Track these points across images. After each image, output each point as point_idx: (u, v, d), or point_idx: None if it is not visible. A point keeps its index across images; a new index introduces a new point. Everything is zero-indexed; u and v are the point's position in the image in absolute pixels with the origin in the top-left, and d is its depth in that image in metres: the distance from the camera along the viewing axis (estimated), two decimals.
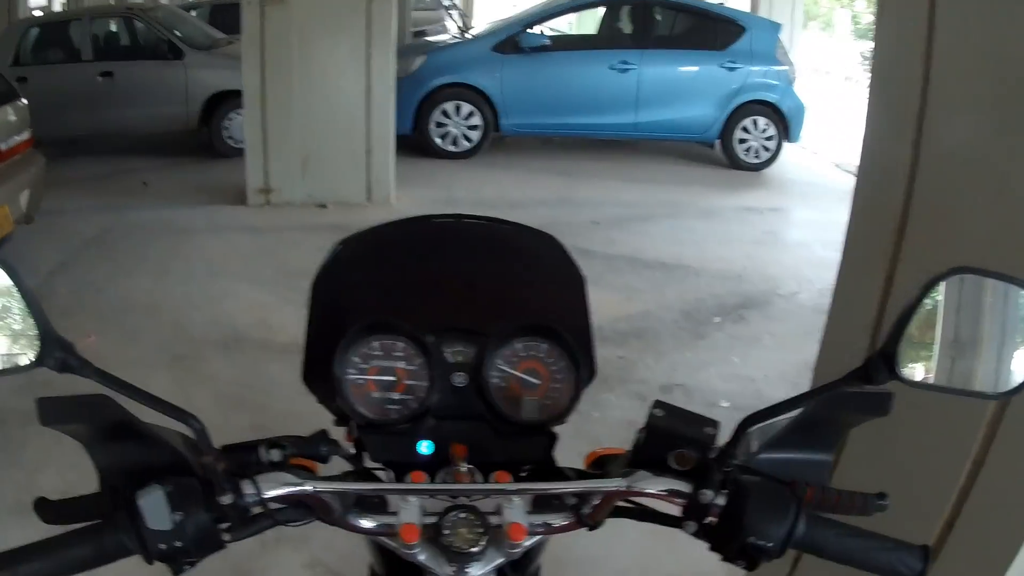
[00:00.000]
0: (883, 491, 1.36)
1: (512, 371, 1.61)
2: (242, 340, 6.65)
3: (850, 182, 9.72)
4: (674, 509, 1.38)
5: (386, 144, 10.59)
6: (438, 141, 13.23)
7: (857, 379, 1.29)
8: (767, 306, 7.80)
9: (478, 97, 13.17)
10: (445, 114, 13.17)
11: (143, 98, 12.83)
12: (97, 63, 12.91)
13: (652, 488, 1.35)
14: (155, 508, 1.20)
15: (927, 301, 1.29)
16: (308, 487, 1.33)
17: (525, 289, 1.83)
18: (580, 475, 1.56)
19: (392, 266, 1.83)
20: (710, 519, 1.33)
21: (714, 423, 1.39)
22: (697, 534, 1.35)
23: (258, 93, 10.04)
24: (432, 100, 13.12)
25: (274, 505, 1.34)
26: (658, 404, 1.40)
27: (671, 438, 1.37)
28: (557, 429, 1.61)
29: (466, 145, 13.29)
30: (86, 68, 12.86)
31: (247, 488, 1.29)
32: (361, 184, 10.54)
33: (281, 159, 10.28)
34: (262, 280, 7.87)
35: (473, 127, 13.24)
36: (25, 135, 8.10)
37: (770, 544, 1.26)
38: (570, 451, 1.62)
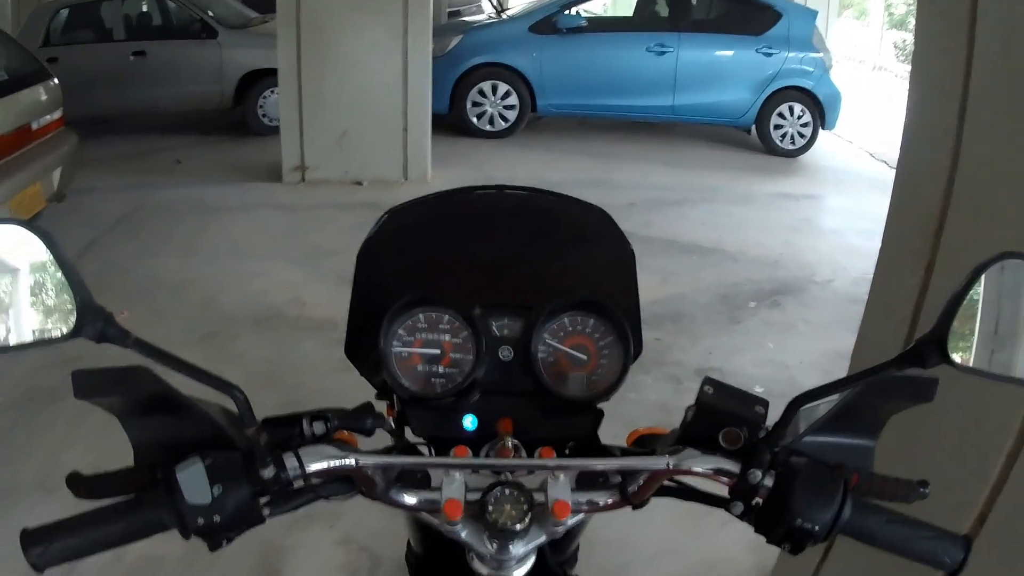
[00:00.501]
0: (924, 479, 1.33)
1: (559, 346, 1.57)
2: (274, 318, 6.64)
3: (884, 171, 9.74)
4: (720, 489, 1.36)
5: (422, 122, 10.58)
6: (474, 120, 13.22)
7: (908, 362, 1.25)
8: (802, 293, 7.74)
9: (514, 77, 13.15)
10: (481, 93, 13.16)
11: (176, 77, 12.84)
12: (129, 43, 12.91)
13: (699, 467, 1.32)
14: (194, 481, 1.17)
15: (976, 287, 1.25)
16: (351, 460, 1.30)
17: (573, 263, 1.80)
18: (625, 453, 1.53)
19: (438, 238, 1.80)
20: (757, 500, 1.30)
21: (764, 402, 1.35)
22: (743, 516, 1.32)
23: (294, 71, 10.03)
24: (468, 80, 13.10)
25: (316, 479, 1.31)
26: (708, 381, 1.36)
27: (720, 416, 1.33)
28: (604, 406, 1.57)
29: (502, 125, 13.28)
30: (118, 48, 12.87)
31: (289, 461, 1.26)
32: (397, 162, 10.54)
33: (317, 137, 10.28)
34: (295, 258, 7.87)
35: (509, 107, 13.23)
36: (56, 114, 8.16)
37: (816, 527, 1.23)
38: (605, 433, 1.58)
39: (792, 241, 9.13)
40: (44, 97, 8.00)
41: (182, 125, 13.54)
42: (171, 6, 13.28)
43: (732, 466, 1.30)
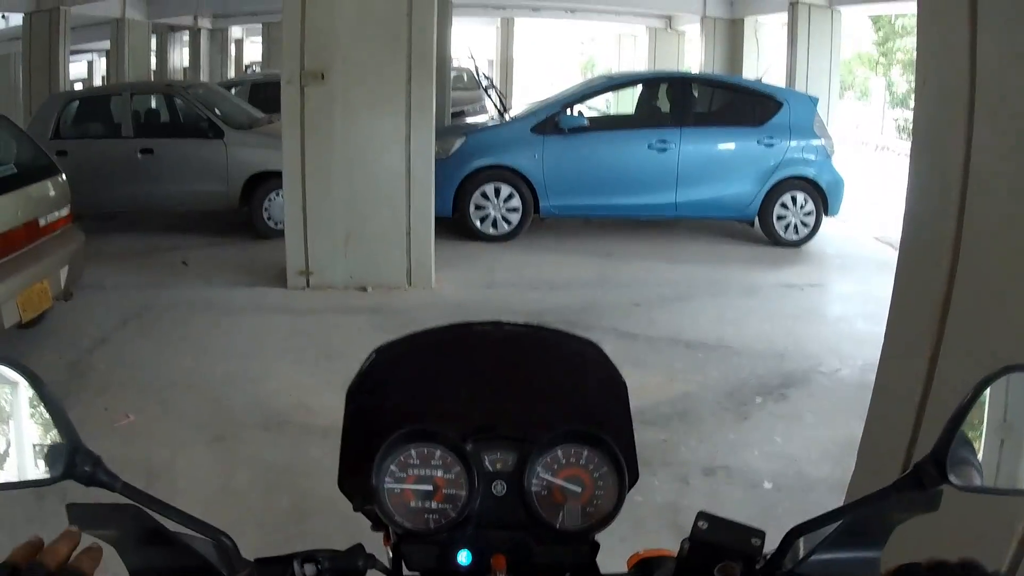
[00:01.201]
0: None
1: (554, 479, 1.58)
2: (283, 422, 6.62)
3: (889, 253, 9.71)
4: None
5: (426, 224, 10.55)
6: (478, 223, 13.17)
7: (907, 486, 1.27)
8: (809, 384, 7.72)
9: (517, 179, 13.14)
10: (484, 196, 13.14)
11: (183, 176, 12.91)
12: (137, 139, 13.02)
13: None
14: None
15: (978, 402, 1.27)
16: None
17: (566, 395, 1.81)
18: None
19: (429, 373, 1.80)
20: None
21: (760, 533, 1.36)
22: None
23: (298, 173, 10.07)
24: (472, 182, 13.09)
25: None
26: (702, 516, 1.38)
27: (716, 550, 1.34)
28: (603, 532, 1.58)
29: (506, 227, 13.22)
30: (126, 144, 12.97)
31: None
32: (402, 266, 10.49)
33: (321, 240, 10.28)
34: (302, 362, 7.86)
35: (513, 209, 13.20)
36: (65, 211, 8.17)
37: None
38: (612, 536, 1.59)
39: (797, 332, 9.12)
40: (52, 192, 8.03)
41: (189, 224, 13.62)
42: (179, 103, 13.43)
43: None
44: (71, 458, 1.23)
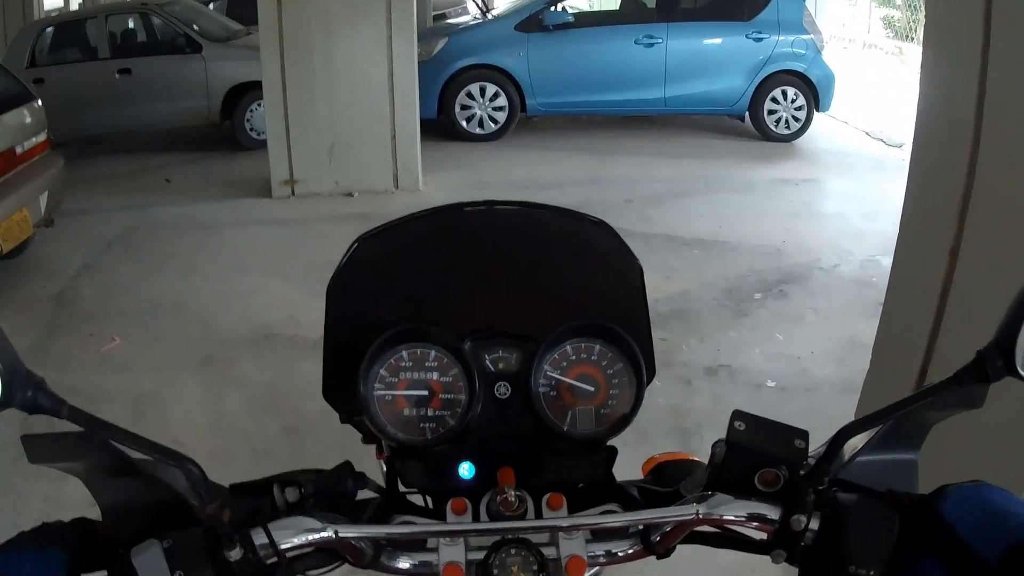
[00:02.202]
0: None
1: (563, 378, 1.38)
2: (271, 337, 6.53)
3: (881, 149, 9.68)
4: (759, 532, 1.19)
5: (411, 129, 10.48)
6: (464, 124, 13.13)
7: (970, 378, 1.08)
8: (808, 280, 7.65)
9: (503, 78, 13.07)
10: (470, 96, 13.08)
11: (163, 93, 12.78)
12: (114, 60, 12.86)
13: (734, 514, 1.16)
14: (152, 567, 1.02)
15: None
16: (330, 533, 1.14)
17: (573, 283, 1.60)
18: (643, 493, 1.36)
19: (418, 264, 1.60)
20: (802, 546, 1.13)
21: (803, 434, 1.18)
22: (787, 561, 1.16)
23: (278, 83, 9.95)
24: (456, 83, 13.02)
25: (294, 553, 1.15)
26: (738, 415, 1.19)
27: (755, 455, 1.17)
28: (615, 441, 1.39)
29: (492, 127, 13.19)
30: (104, 66, 12.81)
31: (259, 538, 1.11)
32: (388, 171, 10.44)
33: (305, 149, 10.20)
34: (290, 274, 7.73)
35: (499, 108, 13.14)
36: (42, 137, 8.01)
37: (873, 572, 1.07)
38: (615, 441, 1.41)
39: (794, 228, 9.03)
40: (28, 119, 7.87)
41: (171, 142, 13.47)
42: (156, 22, 13.22)
43: (772, 511, 1.15)
44: (9, 384, 1.03)
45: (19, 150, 7.52)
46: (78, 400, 1.05)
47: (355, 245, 1.55)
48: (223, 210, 10.01)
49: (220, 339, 6.57)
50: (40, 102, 8.14)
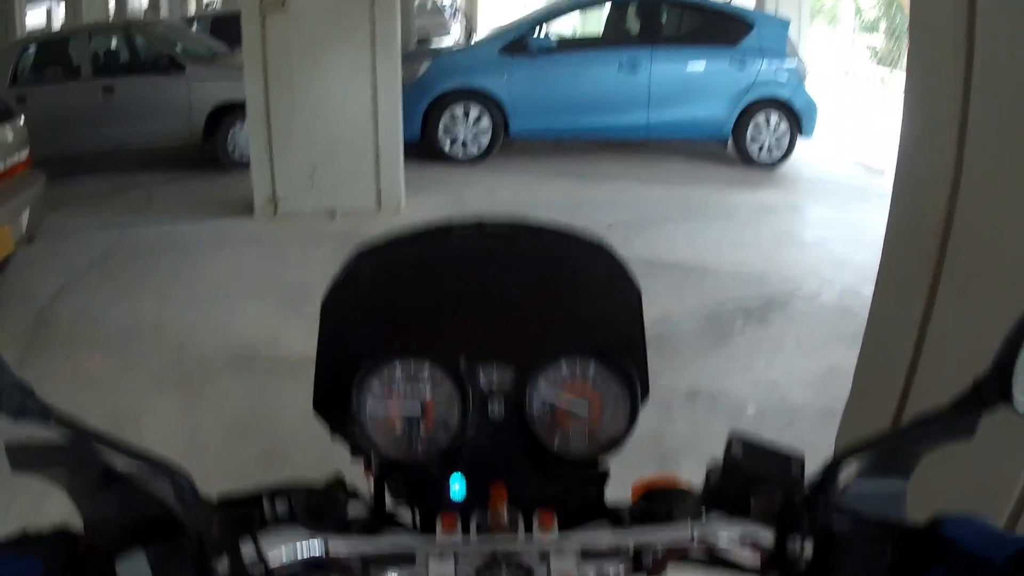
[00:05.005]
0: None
1: (557, 399, 1.38)
2: (251, 359, 6.49)
3: (863, 176, 9.71)
4: (751, 557, 1.18)
5: (395, 150, 10.50)
6: (447, 146, 13.16)
7: (965, 407, 1.08)
8: (788, 308, 7.66)
9: (486, 101, 13.10)
10: (453, 118, 13.10)
11: (145, 113, 12.77)
12: (97, 80, 12.85)
13: (729, 536, 1.15)
14: None
15: None
16: (319, 546, 1.14)
17: (569, 303, 1.57)
18: (635, 515, 1.33)
19: (413, 282, 1.57)
20: (796, 570, 1.13)
21: (800, 460, 1.19)
22: None
23: (262, 103, 9.96)
24: (439, 105, 13.04)
25: (282, 568, 1.13)
26: (736, 437, 1.20)
27: (752, 478, 1.17)
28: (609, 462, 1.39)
29: (475, 150, 13.22)
30: (86, 85, 12.80)
31: (247, 551, 1.10)
32: (371, 192, 10.46)
33: (287, 169, 10.20)
34: (272, 295, 7.71)
35: (482, 131, 13.18)
36: (23, 154, 7.98)
37: None
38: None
39: (775, 255, 9.05)
40: (10, 137, 7.84)
41: (153, 161, 13.44)
42: (139, 41, 13.26)
43: (766, 534, 1.14)
44: None
45: (0, 167, 7.49)
46: None
47: (352, 258, 1.54)
48: (204, 230, 9.98)
49: (200, 360, 6.53)
50: (22, 120, 8.12)
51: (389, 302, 1.55)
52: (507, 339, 1.46)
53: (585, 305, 1.57)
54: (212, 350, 6.71)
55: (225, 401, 5.93)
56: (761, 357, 6.58)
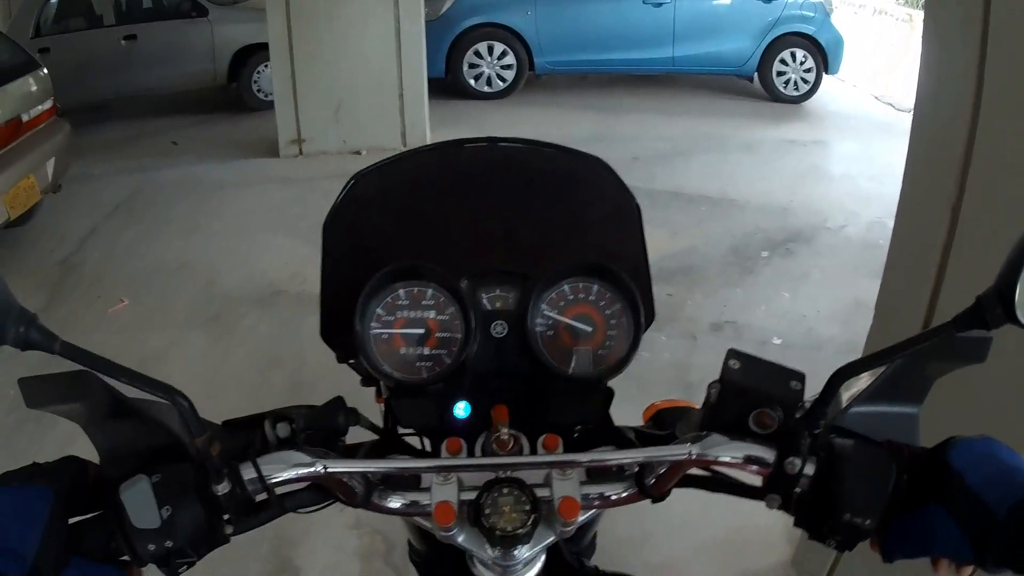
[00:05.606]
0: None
1: (560, 317, 1.38)
2: (278, 294, 6.53)
3: (890, 113, 9.63)
4: (754, 478, 1.17)
5: (419, 87, 10.48)
6: (472, 82, 13.16)
7: (968, 324, 1.05)
8: (814, 240, 7.63)
9: (511, 36, 13.07)
10: (478, 54, 13.10)
11: (170, 58, 12.72)
12: (120, 27, 12.78)
13: (728, 455, 1.14)
14: (141, 503, 1.02)
15: None
16: (319, 468, 1.14)
17: (571, 222, 1.58)
18: (641, 436, 1.36)
19: (415, 202, 1.59)
20: (798, 490, 1.12)
21: (800, 375, 1.15)
22: (782, 508, 1.14)
23: (285, 43, 9.92)
24: (464, 41, 13.04)
25: (283, 489, 1.15)
26: (733, 354, 1.16)
27: (750, 395, 1.14)
28: (613, 382, 1.37)
29: (500, 85, 13.23)
30: (109, 33, 12.73)
31: (247, 472, 1.11)
32: (395, 128, 10.43)
33: (312, 108, 10.19)
34: (296, 232, 7.72)
35: (507, 67, 13.17)
36: (47, 104, 7.99)
37: (868, 522, 1.06)
38: (619, 399, 1.40)
39: (801, 188, 9.01)
40: (34, 88, 7.84)
41: (178, 106, 13.40)
42: None
43: (766, 453, 1.13)
44: (2, 320, 1.02)
45: (25, 118, 7.50)
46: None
47: (352, 182, 1.55)
48: (230, 170, 10.00)
49: (227, 297, 6.58)
50: (45, 71, 8.12)
51: (390, 223, 1.57)
52: (510, 259, 1.48)
53: (586, 221, 1.58)
54: (239, 286, 6.76)
55: (252, 335, 5.99)
56: (786, 289, 6.57)
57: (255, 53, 12.39)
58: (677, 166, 9.69)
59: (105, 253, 7.65)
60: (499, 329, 1.39)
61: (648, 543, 3.88)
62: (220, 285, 6.82)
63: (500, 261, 1.47)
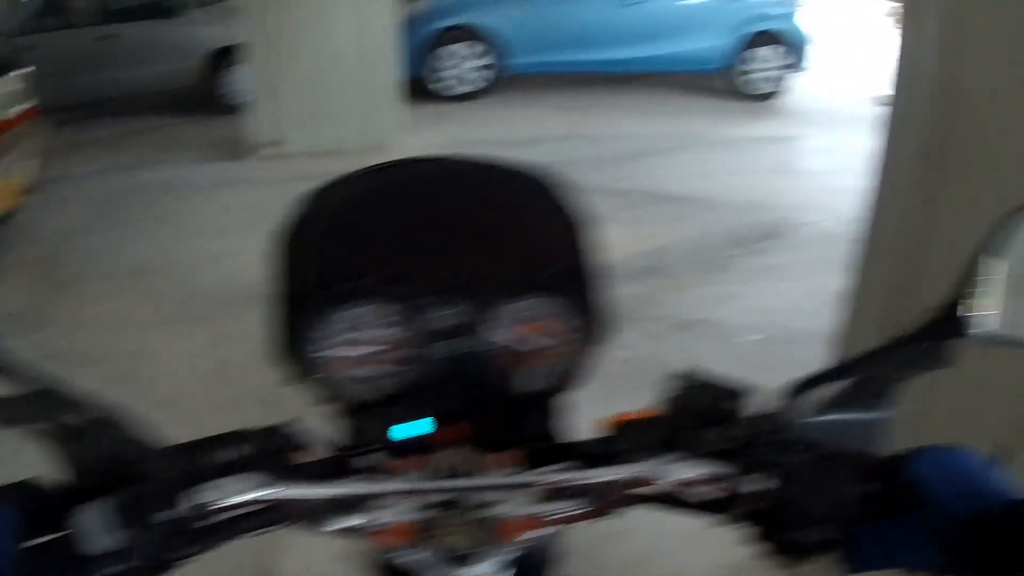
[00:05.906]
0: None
1: (511, 334, 1.38)
2: (254, 298, 6.49)
3: (860, 108, 9.62)
4: (712, 494, 1.16)
5: (392, 88, 10.53)
6: (446, 83, 13.23)
7: (921, 339, 1.10)
8: (786, 236, 7.70)
9: (485, 37, 13.15)
10: (452, 55, 13.17)
11: (146, 58, 12.82)
12: (100, 27, 12.86)
13: (685, 474, 1.14)
14: (91, 527, 1.03)
15: (995, 245, 1.11)
16: (270, 492, 1.15)
17: (519, 238, 1.54)
18: (594, 451, 1.31)
19: (364, 221, 1.54)
20: (758, 506, 1.13)
21: (748, 391, 1.17)
22: (742, 523, 1.15)
23: (258, 45, 9.98)
24: (439, 42, 13.10)
25: (236, 511, 1.15)
26: (680, 375, 1.18)
27: (702, 413, 1.17)
28: (583, 390, 1.40)
29: (476, 87, 13.31)
30: (88, 33, 12.80)
31: (200, 496, 1.12)
32: (370, 130, 10.44)
33: (285, 110, 10.22)
34: (270, 234, 7.68)
35: (481, 68, 13.25)
36: (29, 104, 7.99)
37: (833, 532, 1.07)
38: (592, 393, 1.45)
39: (773, 184, 9.09)
40: (15, 87, 7.85)
41: (157, 106, 13.43)
42: None
43: (725, 470, 1.14)
44: None
45: (3, 117, 7.52)
46: (70, 361, 1.08)
47: (301, 201, 1.55)
48: (205, 171, 10.03)
49: (206, 299, 6.62)
50: (26, 69, 8.13)
51: (340, 243, 1.53)
52: (459, 276, 1.45)
53: (534, 238, 1.55)
54: (216, 288, 6.81)
55: (228, 336, 6.04)
56: (759, 285, 6.63)
57: (228, 55, 12.42)
58: (649, 165, 9.74)
59: (85, 255, 7.66)
60: (449, 346, 1.38)
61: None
62: (199, 287, 6.85)
63: (450, 278, 1.44)
